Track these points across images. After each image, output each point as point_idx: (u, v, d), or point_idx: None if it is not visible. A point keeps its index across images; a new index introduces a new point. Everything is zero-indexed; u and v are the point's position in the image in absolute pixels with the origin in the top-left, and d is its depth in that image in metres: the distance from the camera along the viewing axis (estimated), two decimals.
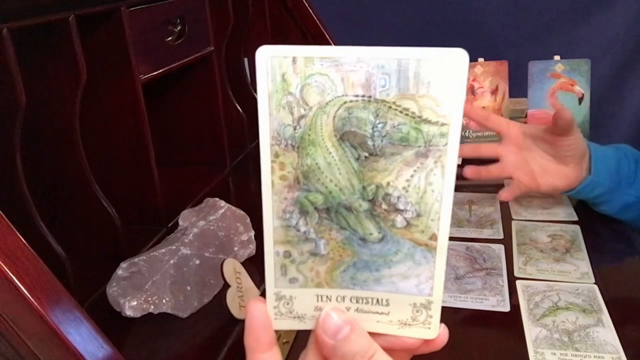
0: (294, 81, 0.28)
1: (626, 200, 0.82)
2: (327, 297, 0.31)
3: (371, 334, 0.31)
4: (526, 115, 1.05)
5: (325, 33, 1.15)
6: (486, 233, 0.84)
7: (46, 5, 0.57)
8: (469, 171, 0.86)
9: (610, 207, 0.83)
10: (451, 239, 0.82)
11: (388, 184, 0.29)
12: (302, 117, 0.29)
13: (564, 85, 1.02)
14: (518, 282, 0.72)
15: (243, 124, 1.03)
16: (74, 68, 0.61)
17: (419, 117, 0.28)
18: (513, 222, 0.87)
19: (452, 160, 0.29)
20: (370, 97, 0.28)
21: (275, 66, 0.28)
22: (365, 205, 0.30)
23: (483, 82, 1.04)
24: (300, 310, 0.32)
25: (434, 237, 0.30)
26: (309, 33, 1.16)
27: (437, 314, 0.31)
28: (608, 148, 0.86)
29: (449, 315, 0.67)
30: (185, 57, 0.82)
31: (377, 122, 0.29)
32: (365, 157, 0.29)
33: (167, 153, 0.94)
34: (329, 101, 0.28)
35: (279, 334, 0.60)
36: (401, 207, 0.30)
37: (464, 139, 1.05)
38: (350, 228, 0.30)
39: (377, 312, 0.32)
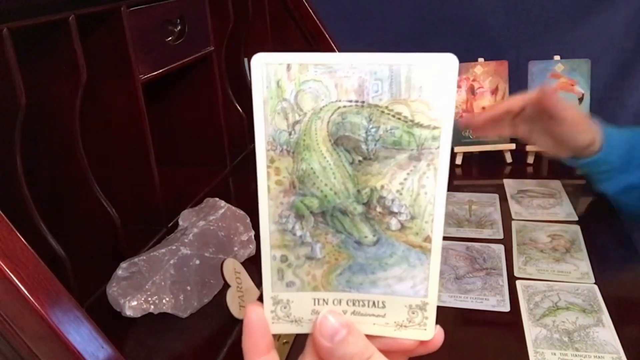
0: (289, 87, 0.28)
1: (632, 182, 0.82)
2: (323, 300, 0.32)
3: (368, 336, 0.31)
4: None
5: (325, 33, 1.15)
6: (486, 233, 0.84)
7: (46, 5, 0.57)
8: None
9: (613, 185, 0.83)
10: (451, 239, 0.82)
11: (382, 187, 0.30)
12: (296, 122, 0.29)
13: (564, 85, 1.02)
14: (518, 282, 0.72)
15: (243, 124, 1.03)
16: (74, 68, 0.61)
17: (411, 121, 0.29)
18: (513, 222, 0.87)
19: (444, 163, 0.29)
20: (363, 102, 0.29)
21: (270, 73, 0.28)
22: (360, 208, 0.30)
23: (483, 82, 1.04)
24: (297, 314, 0.32)
25: (428, 239, 0.30)
26: (309, 33, 1.16)
27: (432, 315, 0.32)
28: (623, 129, 0.85)
29: (449, 315, 0.67)
30: (185, 57, 0.82)
31: (371, 126, 0.29)
32: (359, 161, 0.30)
33: (167, 153, 0.94)
34: (323, 107, 0.29)
35: (278, 335, 0.60)
36: (395, 209, 0.30)
37: (463, 139, 1.05)
38: (345, 231, 0.31)
39: (373, 315, 0.32)
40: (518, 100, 0.85)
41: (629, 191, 0.83)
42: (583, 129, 0.81)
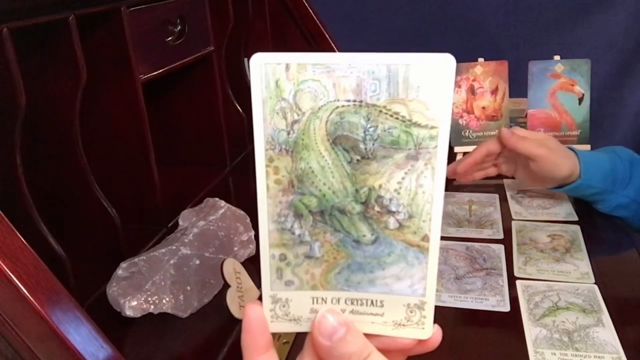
0: (287, 87, 0.29)
1: (620, 201, 0.84)
2: (322, 299, 0.32)
3: (366, 335, 0.31)
4: (526, 115, 1.05)
5: (325, 33, 1.15)
6: (486, 233, 0.84)
7: (46, 5, 0.57)
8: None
9: (604, 206, 0.86)
10: (451, 239, 0.82)
11: (380, 186, 0.30)
12: (295, 122, 0.29)
13: (564, 85, 1.02)
14: (518, 282, 0.72)
15: (243, 124, 1.03)
16: (74, 68, 0.61)
17: (409, 120, 0.29)
18: (513, 222, 0.87)
19: (441, 162, 0.29)
20: (361, 101, 0.29)
21: (269, 73, 0.29)
22: (358, 207, 0.30)
23: (483, 82, 1.04)
24: (296, 313, 0.32)
25: (426, 238, 0.31)
26: (309, 33, 1.16)
27: (430, 314, 0.32)
28: (601, 152, 0.88)
29: (449, 315, 0.67)
30: (185, 57, 0.82)
31: (369, 126, 0.29)
32: (358, 160, 0.30)
33: (167, 153, 0.94)
34: (322, 106, 0.29)
35: (279, 335, 0.60)
36: (393, 209, 0.30)
37: (463, 139, 1.05)
38: (344, 230, 0.31)
39: (371, 314, 0.32)
40: (495, 141, 0.88)
41: (621, 209, 0.85)
42: (556, 162, 0.83)
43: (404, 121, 0.29)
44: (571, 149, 0.85)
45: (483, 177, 0.93)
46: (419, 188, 0.30)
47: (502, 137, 0.85)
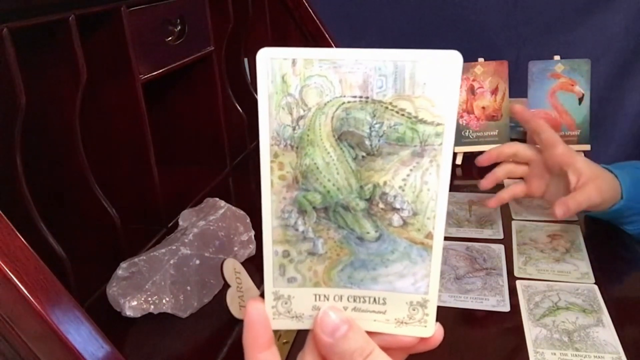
0: (294, 82, 0.29)
1: None
2: (324, 296, 0.32)
3: (368, 332, 0.31)
4: None
5: (325, 33, 1.15)
6: (486, 233, 0.84)
7: (46, 5, 0.57)
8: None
9: (635, 227, 0.80)
10: (451, 239, 0.82)
11: (385, 183, 0.30)
12: (301, 117, 0.29)
13: (564, 85, 1.02)
14: (518, 282, 0.72)
15: (243, 124, 1.03)
16: (74, 68, 0.61)
17: (415, 117, 0.29)
18: (513, 222, 0.87)
19: (447, 160, 0.29)
20: (367, 98, 0.29)
21: (276, 68, 0.29)
22: (362, 204, 0.30)
23: (483, 82, 1.04)
24: (298, 310, 0.32)
25: (429, 236, 0.30)
26: (309, 33, 1.16)
27: (433, 312, 0.32)
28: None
29: (449, 315, 0.67)
30: (185, 57, 0.82)
31: (374, 122, 0.29)
32: (363, 156, 0.30)
33: (167, 153, 0.94)
34: (328, 102, 0.29)
35: (279, 334, 0.60)
36: (398, 206, 0.30)
37: (463, 139, 1.05)
38: (347, 227, 0.31)
39: (374, 311, 0.32)
40: (529, 147, 0.81)
41: None
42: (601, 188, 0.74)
43: (409, 118, 0.29)
44: (607, 168, 0.78)
45: (508, 197, 0.84)
46: (423, 185, 0.30)
47: (546, 141, 0.77)
